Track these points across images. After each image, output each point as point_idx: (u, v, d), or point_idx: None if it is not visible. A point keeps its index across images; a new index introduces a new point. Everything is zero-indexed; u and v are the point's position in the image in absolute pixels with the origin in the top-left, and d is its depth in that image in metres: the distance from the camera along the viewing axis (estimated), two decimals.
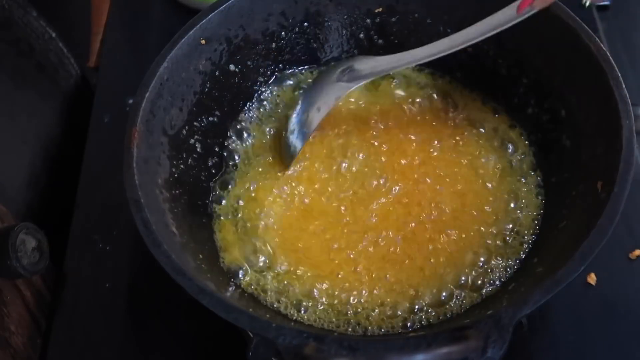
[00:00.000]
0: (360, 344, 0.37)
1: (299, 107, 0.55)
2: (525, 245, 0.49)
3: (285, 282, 0.48)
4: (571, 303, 0.51)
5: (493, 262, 0.48)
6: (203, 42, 0.51)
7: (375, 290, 0.48)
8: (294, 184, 0.53)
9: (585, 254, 0.39)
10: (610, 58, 0.45)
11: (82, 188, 0.60)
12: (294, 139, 0.53)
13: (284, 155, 0.54)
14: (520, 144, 0.53)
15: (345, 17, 0.56)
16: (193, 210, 0.50)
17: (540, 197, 0.51)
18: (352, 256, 0.49)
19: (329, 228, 0.51)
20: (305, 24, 0.56)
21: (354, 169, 0.53)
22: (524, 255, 0.48)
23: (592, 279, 0.52)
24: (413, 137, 0.55)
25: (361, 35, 0.57)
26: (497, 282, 0.48)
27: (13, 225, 0.50)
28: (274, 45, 0.56)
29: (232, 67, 0.54)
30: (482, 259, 0.48)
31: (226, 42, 0.53)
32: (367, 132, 0.55)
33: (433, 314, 0.47)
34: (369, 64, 0.54)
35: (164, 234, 0.43)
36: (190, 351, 0.52)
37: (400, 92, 0.57)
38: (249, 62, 0.55)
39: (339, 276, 0.48)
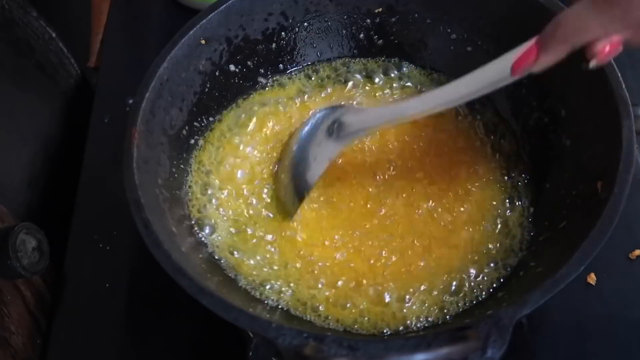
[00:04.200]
0: (360, 344, 0.37)
1: (294, 160, 0.51)
2: (525, 246, 0.49)
3: (287, 282, 0.49)
4: (571, 303, 0.51)
5: (493, 260, 0.48)
6: (203, 42, 0.51)
7: (376, 286, 0.48)
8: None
9: (585, 254, 0.39)
10: None
11: (82, 188, 0.60)
12: (292, 192, 0.51)
13: (284, 205, 0.51)
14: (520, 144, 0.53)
15: (345, 17, 0.56)
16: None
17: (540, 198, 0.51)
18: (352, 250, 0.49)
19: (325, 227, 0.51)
20: (305, 24, 0.56)
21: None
22: (523, 256, 0.48)
23: (592, 279, 0.52)
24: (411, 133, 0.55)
25: (361, 35, 0.57)
26: (495, 283, 0.48)
27: (13, 225, 0.50)
28: (274, 45, 0.56)
29: (232, 67, 0.54)
30: (480, 259, 0.48)
31: (226, 42, 0.53)
32: None
33: (433, 314, 0.47)
34: (357, 117, 0.50)
35: (164, 234, 0.43)
36: (190, 351, 0.52)
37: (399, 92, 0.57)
38: (249, 62, 0.55)
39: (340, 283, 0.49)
